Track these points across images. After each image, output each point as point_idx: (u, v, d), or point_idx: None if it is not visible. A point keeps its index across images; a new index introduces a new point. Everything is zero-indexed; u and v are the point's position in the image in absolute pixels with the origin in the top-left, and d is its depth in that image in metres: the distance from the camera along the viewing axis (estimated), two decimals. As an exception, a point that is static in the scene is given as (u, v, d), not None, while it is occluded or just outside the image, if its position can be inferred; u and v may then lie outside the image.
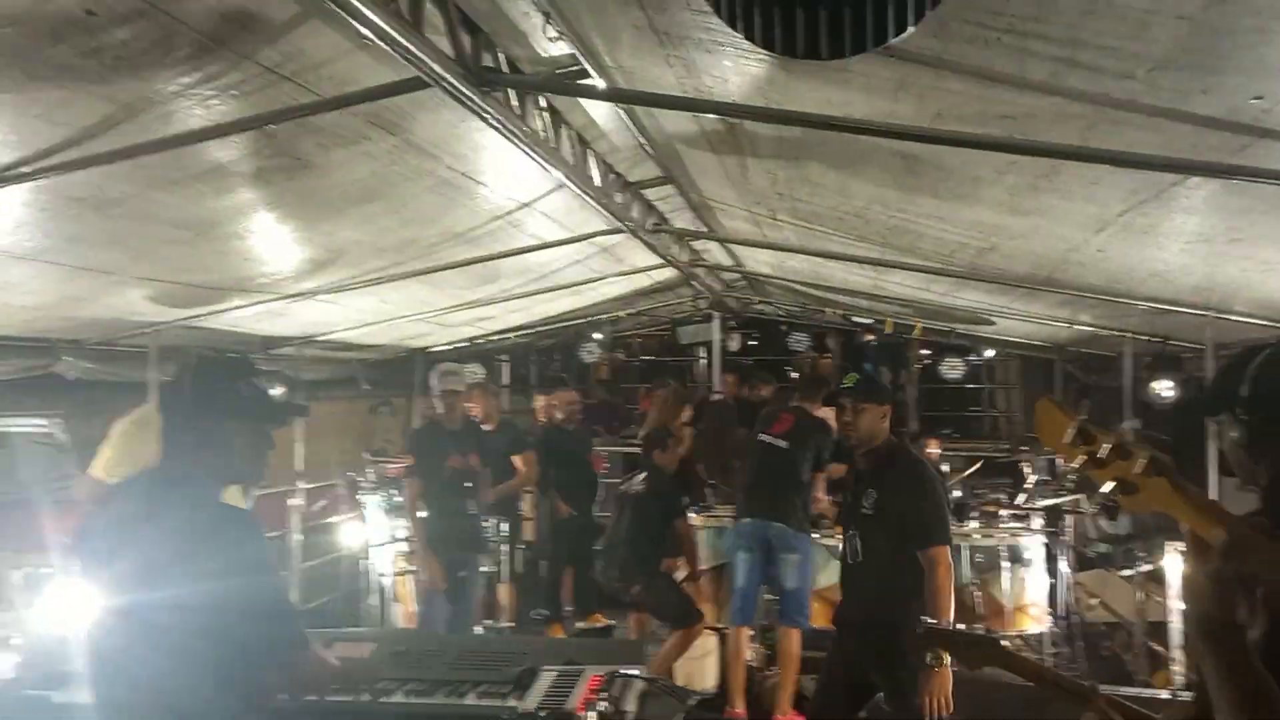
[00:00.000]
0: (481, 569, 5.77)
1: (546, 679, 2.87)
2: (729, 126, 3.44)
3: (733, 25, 1.75)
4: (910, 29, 1.69)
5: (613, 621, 6.59)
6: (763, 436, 5.63)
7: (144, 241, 3.67)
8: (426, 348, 8.43)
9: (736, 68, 2.76)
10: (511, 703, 2.74)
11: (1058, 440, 1.48)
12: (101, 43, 2.27)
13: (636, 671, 2.89)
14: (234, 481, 2.35)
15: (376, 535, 6.50)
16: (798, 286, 8.02)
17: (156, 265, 4.02)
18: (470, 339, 8.25)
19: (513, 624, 5.54)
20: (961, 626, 4.53)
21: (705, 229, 5.97)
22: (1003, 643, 2.67)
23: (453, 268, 5.10)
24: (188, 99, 2.64)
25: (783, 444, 5.53)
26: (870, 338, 9.89)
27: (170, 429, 2.24)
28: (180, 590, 2.05)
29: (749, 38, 1.74)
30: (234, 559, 2.11)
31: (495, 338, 8.60)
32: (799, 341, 10.34)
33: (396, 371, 8.55)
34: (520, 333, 8.33)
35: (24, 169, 2.77)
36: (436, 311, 6.48)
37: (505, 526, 6.23)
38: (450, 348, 8.21)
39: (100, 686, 2.20)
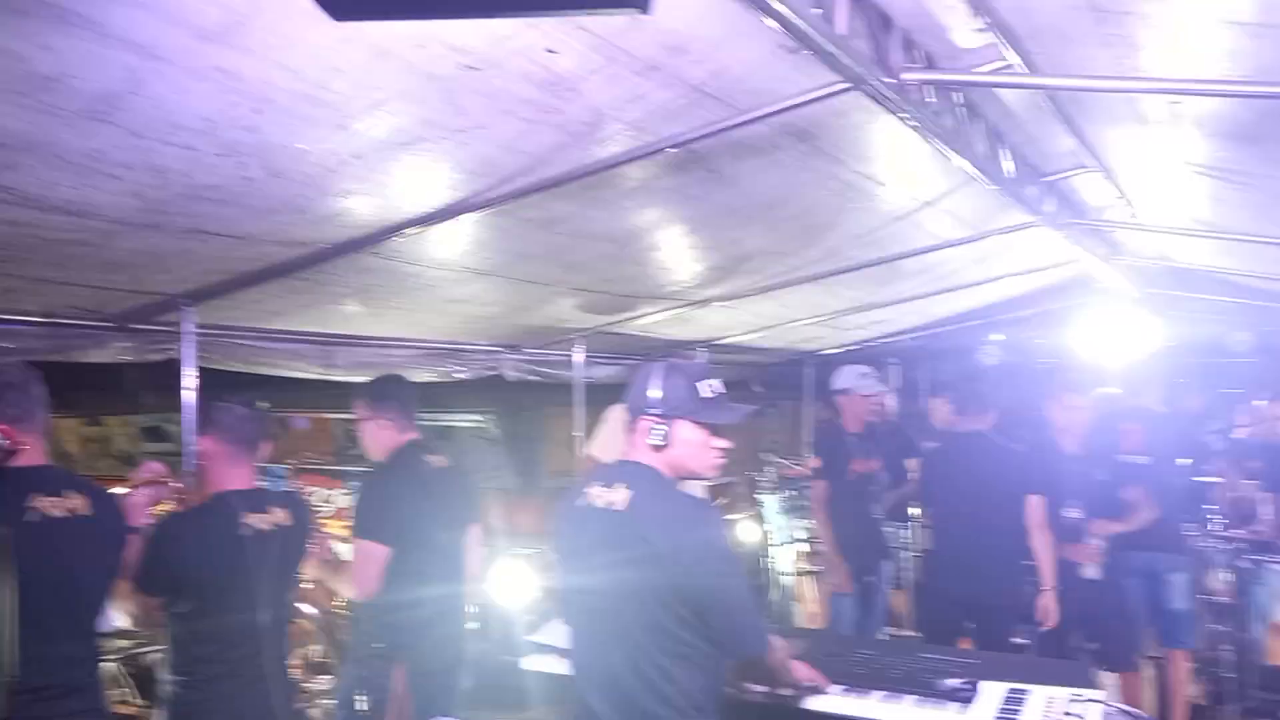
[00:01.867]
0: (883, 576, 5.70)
1: (992, 694, 2.73)
2: (1173, 107, 3.10)
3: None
4: None
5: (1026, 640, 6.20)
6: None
7: (578, 255, 4.07)
8: (816, 350, 8.50)
9: (1187, 39, 2.49)
10: (959, 716, 2.65)
11: None
12: (556, 76, 2.55)
13: (1100, 696, 2.66)
14: (691, 476, 2.53)
15: (775, 534, 6.67)
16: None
17: (586, 276, 4.43)
18: (861, 341, 8.19)
19: (917, 632, 5.42)
20: None
21: (1129, 219, 5.43)
22: None
23: (852, 270, 5.10)
24: (621, 121, 2.89)
25: None
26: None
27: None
28: (646, 575, 2.25)
29: None
30: (698, 546, 2.28)
31: (887, 339, 8.46)
32: (1241, 342, 9.06)
33: (785, 374, 8.72)
34: (914, 334, 8.12)
35: (489, 194, 3.19)
36: (832, 314, 6.52)
37: (905, 533, 6.11)
38: (841, 350, 8.21)
39: (572, 662, 2.49)
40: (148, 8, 2.01)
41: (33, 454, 2.66)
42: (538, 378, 6.14)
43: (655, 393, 2.45)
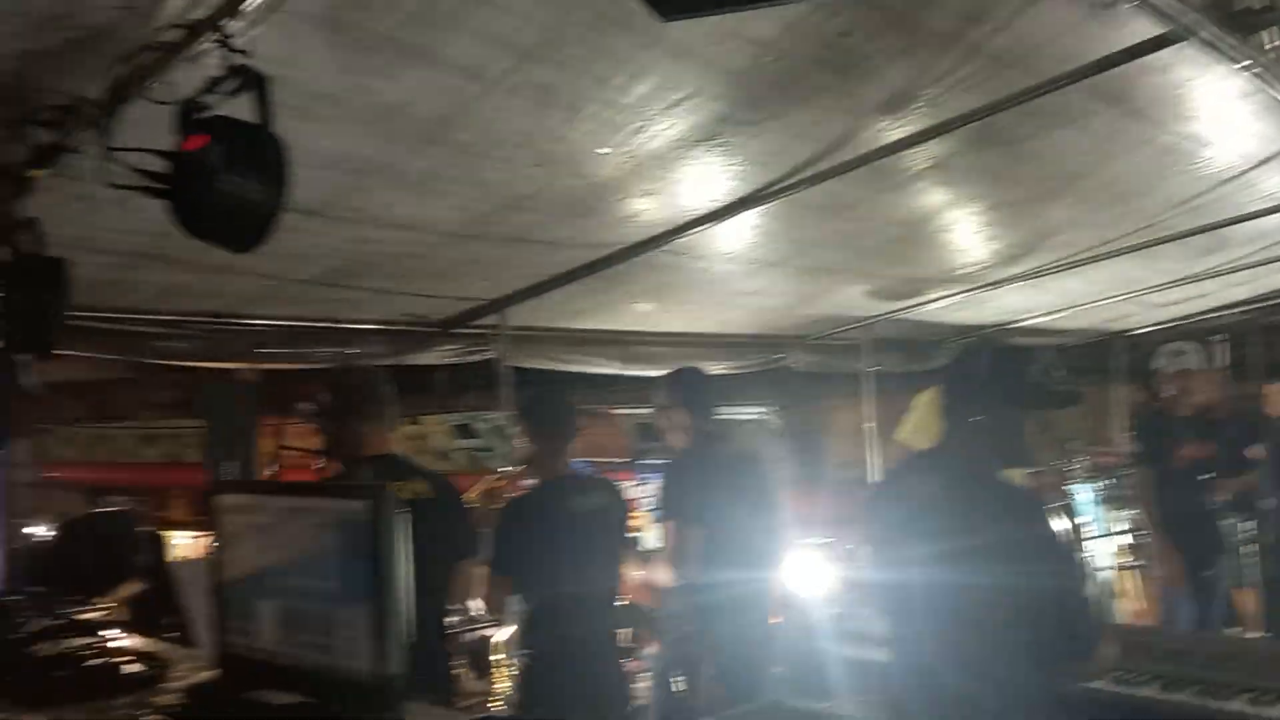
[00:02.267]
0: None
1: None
2: None
3: None
4: None
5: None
6: None
7: (868, 241, 4.01)
8: (1126, 330, 7.81)
9: None
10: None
11: None
12: (852, 61, 2.52)
13: None
14: (1013, 465, 2.43)
15: (1091, 526, 6.22)
16: None
17: (876, 262, 4.35)
18: (1179, 319, 7.44)
19: (1268, 633, 4.87)
20: None
21: None
22: None
23: (1172, 240, 4.65)
24: (918, 99, 2.81)
25: None
26: None
27: (956, 409, 2.39)
28: (974, 568, 2.17)
29: None
30: (1027, 538, 2.18)
31: (1208, 316, 7.63)
32: None
33: (1087, 356, 8.09)
34: (1242, 309, 7.26)
35: (781, 184, 3.21)
36: (1147, 290, 5.97)
37: (1248, 525, 5.48)
38: (1156, 328, 7.50)
39: (898, 653, 2.45)
40: (476, 34, 2.20)
41: (384, 445, 2.98)
42: (826, 368, 6.09)
43: (980, 377, 2.36)
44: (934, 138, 2.98)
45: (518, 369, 4.70)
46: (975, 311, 5.90)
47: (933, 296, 5.37)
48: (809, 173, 3.12)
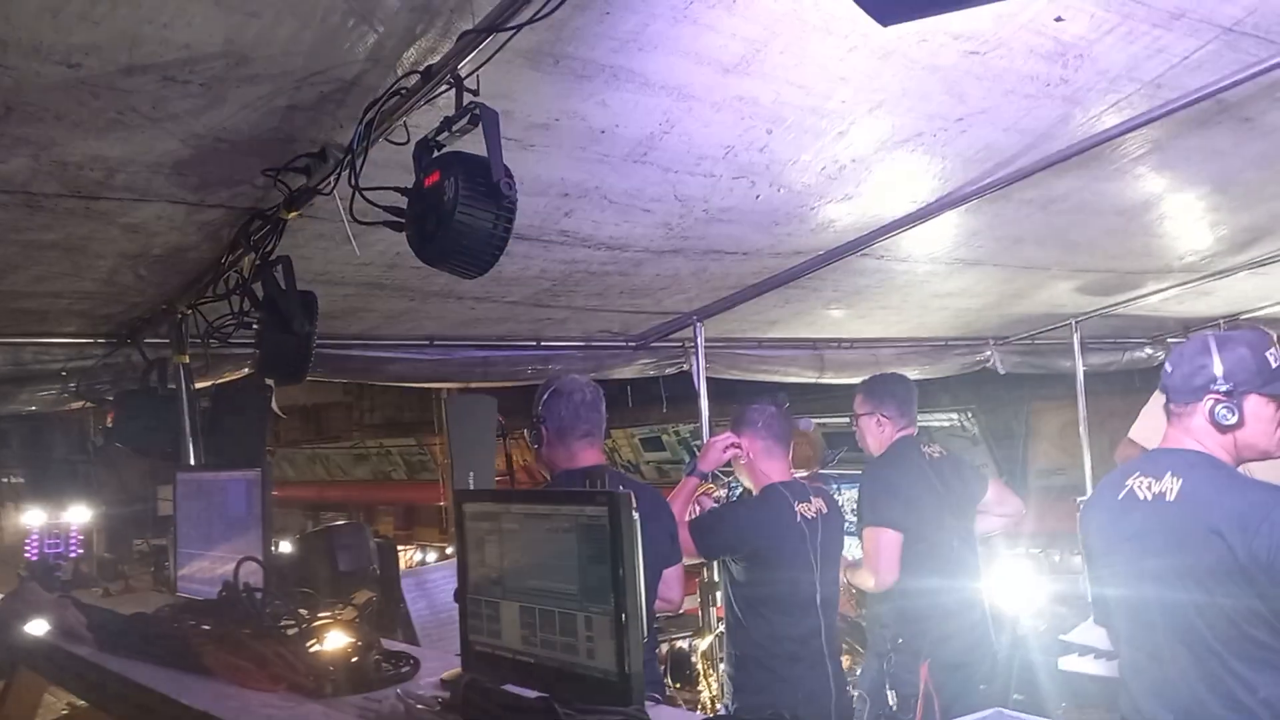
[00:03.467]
0: None
1: None
2: None
3: None
4: None
5: None
6: None
7: (1079, 233, 3.82)
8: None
9: None
10: None
11: None
12: (1063, 45, 2.42)
13: None
14: (1259, 458, 2.28)
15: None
16: None
17: (1088, 255, 4.14)
18: None
19: None
20: None
21: None
22: None
23: None
24: (1137, 81, 2.66)
25: None
26: None
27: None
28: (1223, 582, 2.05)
29: None
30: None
31: None
32: None
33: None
34: None
35: (988, 180, 3.11)
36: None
37: None
38: None
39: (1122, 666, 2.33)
40: (681, 53, 2.26)
41: (596, 457, 3.08)
42: (1031, 369, 5.83)
43: (1215, 369, 2.22)
44: (1156, 120, 2.82)
45: (711, 380, 4.76)
46: (1199, 303, 5.51)
47: (1149, 290, 5.05)
48: (1017, 167, 3.01)
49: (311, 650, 2.10)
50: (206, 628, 2.13)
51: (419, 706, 1.64)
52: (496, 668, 1.82)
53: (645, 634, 1.57)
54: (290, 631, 2.20)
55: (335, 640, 2.21)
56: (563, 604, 1.71)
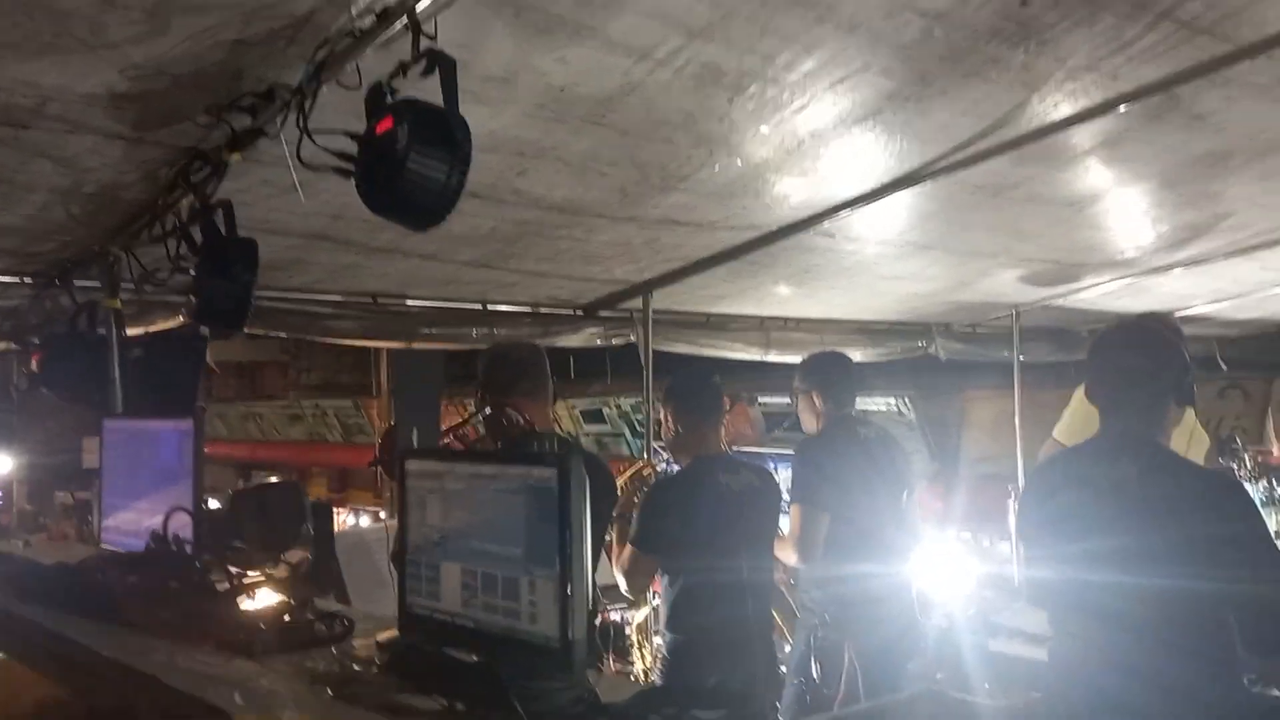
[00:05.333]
0: None
1: None
2: None
3: None
4: None
5: None
6: None
7: (1029, 223, 3.87)
8: (1301, 322, 7.32)
9: None
10: None
11: None
12: (1030, 31, 2.43)
13: None
14: None
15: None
16: None
17: (1034, 245, 4.20)
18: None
19: None
20: None
21: None
22: None
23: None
24: (1097, 71, 2.68)
25: None
26: None
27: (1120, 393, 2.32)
28: (1166, 563, 2.08)
29: None
30: (1233, 531, 2.07)
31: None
32: None
33: (1257, 350, 7.61)
34: None
35: (944, 162, 3.13)
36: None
37: None
38: (1336, 320, 7.01)
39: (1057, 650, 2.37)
40: (647, 13, 2.22)
41: (544, 422, 3.04)
42: (971, 356, 5.92)
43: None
44: (1110, 111, 2.85)
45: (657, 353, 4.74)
46: (1136, 299, 5.63)
47: (1089, 283, 5.15)
48: (973, 150, 3.02)
49: (243, 608, 2.04)
50: (133, 580, 2.06)
51: (355, 668, 1.60)
52: (435, 631, 1.79)
53: (590, 602, 1.54)
54: (221, 587, 2.14)
55: (268, 598, 2.15)
56: (506, 568, 1.68)
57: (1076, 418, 3.96)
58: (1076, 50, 2.55)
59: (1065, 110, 2.84)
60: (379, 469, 3.35)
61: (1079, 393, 4.07)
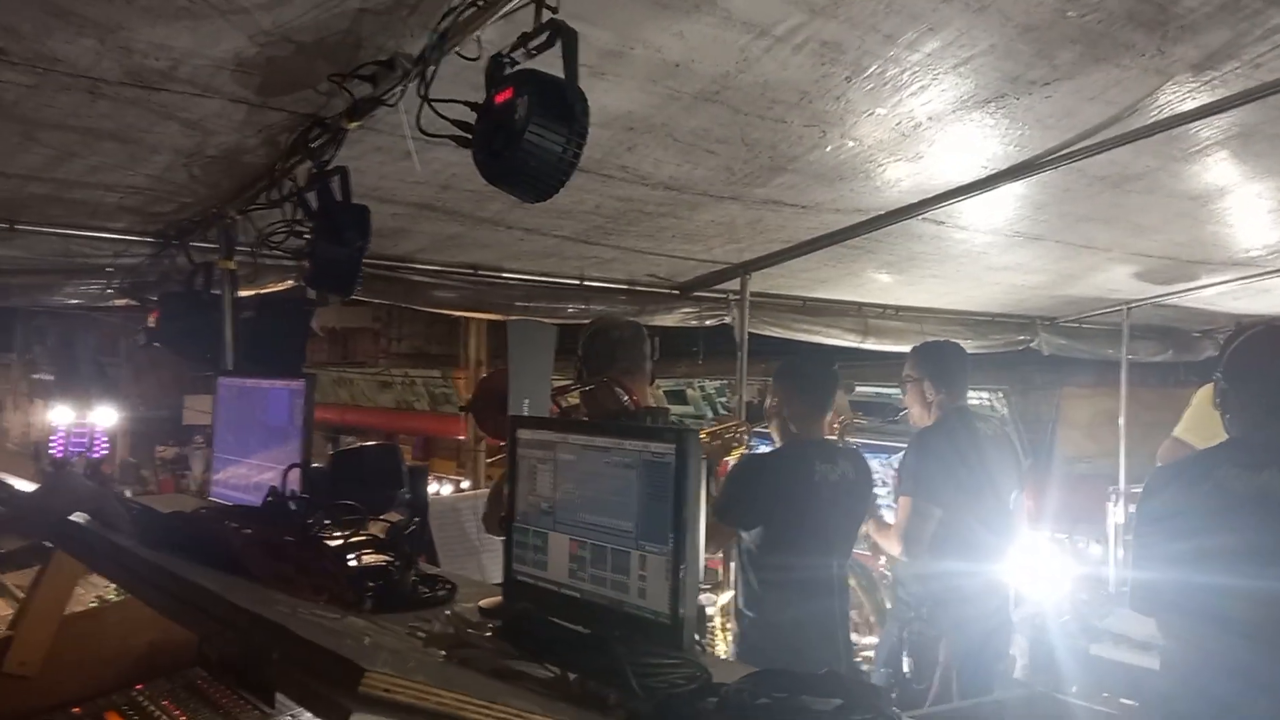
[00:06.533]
0: None
1: None
2: None
3: None
4: None
5: None
6: None
7: (1149, 216, 3.71)
8: None
9: None
10: None
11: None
12: (1169, 16, 2.32)
13: None
14: None
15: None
16: None
17: (1154, 240, 4.03)
18: None
19: None
20: None
21: None
22: None
23: None
24: (1236, 60, 2.55)
25: None
26: None
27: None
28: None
29: None
30: None
31: None
32: None
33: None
34: None
35: (1064, 151, 3.01)
36: None
37: None
38: None
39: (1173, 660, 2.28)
40: (770, -12, 2.18)
41: (643, 398, 3.04)
42: (1074, 353, 5.73)
43: None
44: (1249, 102, 2.71)
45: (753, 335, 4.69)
46: (1253, 301, 5.38)
47: (1205, 282, 4.94)
48: (1099, 139, 2.91)
49: (352, 565, 2.08)
50: (250, 532, 2.12)
51: (469, 631, 1.61)
52: (540, 599, 1.80)
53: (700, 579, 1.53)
54: (333, 544, 2.18)
55: (372, 558, 2.19)
56: (617, 541, 1.67)
57: (1202, 418, 3.80)
58: (1217, 37, 2.43)
59: (1202, 99, 2.71)
60: (469, 416, 3.35)
61: (1202, 393, 3.91)
